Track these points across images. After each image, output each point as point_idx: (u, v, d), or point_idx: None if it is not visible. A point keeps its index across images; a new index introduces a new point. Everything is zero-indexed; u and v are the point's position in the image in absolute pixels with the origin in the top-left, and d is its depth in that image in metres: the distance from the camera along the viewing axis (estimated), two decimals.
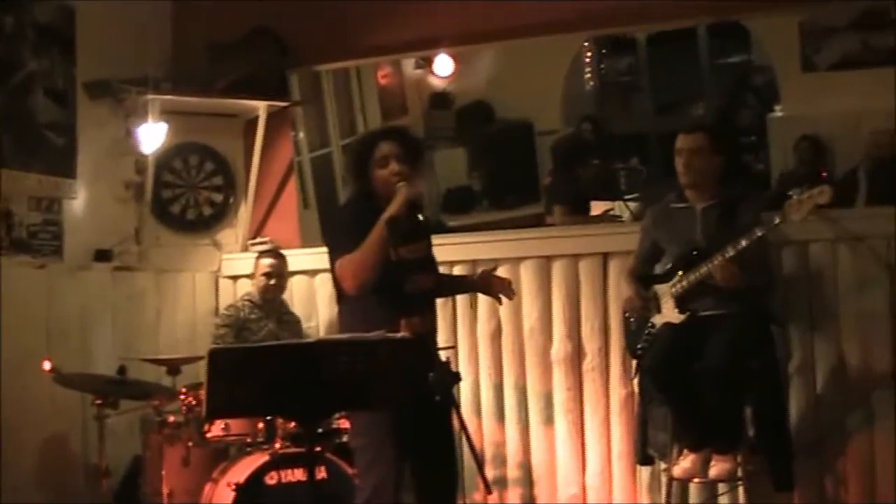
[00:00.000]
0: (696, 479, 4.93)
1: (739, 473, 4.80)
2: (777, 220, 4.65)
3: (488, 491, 3.95)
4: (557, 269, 5.74)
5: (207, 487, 5.08)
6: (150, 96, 5.97)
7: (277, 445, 5.06)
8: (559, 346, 5.71)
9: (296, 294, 6.23)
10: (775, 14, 6.62)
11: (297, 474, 4.92)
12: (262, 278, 5.87)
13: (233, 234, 6.58)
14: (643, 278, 5.05)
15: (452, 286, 4.94)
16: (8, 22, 5.57)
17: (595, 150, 8.16)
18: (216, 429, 5.13)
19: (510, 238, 5.93)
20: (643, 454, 5.16)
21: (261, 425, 5.13)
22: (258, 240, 6.51)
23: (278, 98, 6.43)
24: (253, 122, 6.44)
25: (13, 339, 5.39)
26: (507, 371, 5.83)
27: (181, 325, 6.36)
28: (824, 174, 6.39)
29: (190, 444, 5.12)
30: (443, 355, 3.88)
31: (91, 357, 5.78)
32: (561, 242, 5.82)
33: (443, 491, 4.27)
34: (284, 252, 6.09)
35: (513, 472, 5.79)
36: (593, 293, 5.66)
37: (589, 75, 9.77)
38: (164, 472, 5.11)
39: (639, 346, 5.01)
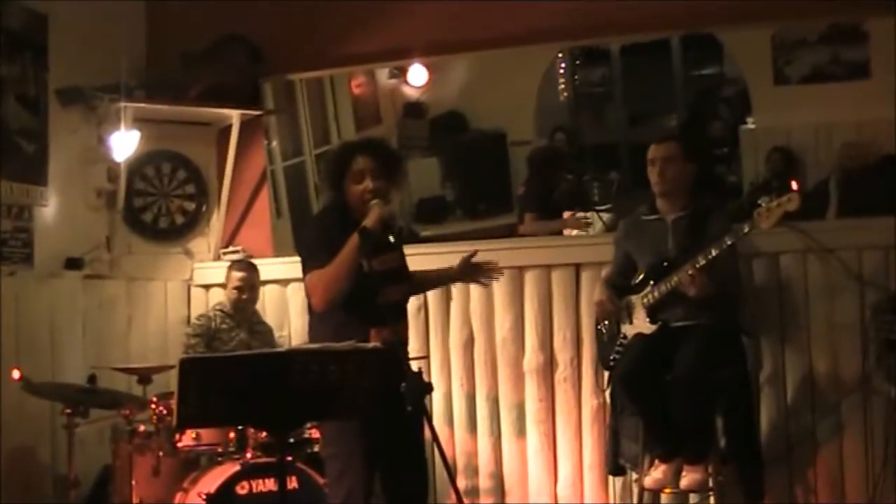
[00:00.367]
0: (667, 490, 4.94)
1: (710, 484, 4.83)
2: (746, 229, 4.66)
3: (460, 501, 3.95)
4: (530, 279, 5.74)
5: (178, 497, 5.05)
6: (122, 104, 5.93)
7: (248, 455, 5.03)
8: (531, 357, 5.71)
9: (268, 303, 6.20)
10: (748, 27, 6.66)
11: (269, 484, 4.89)
12: (234, 291, 5.84)
13: (205, 242, 6.54)
14: (616, 288, 5.07)
15: (431, 283, 4.94)
16: None
17: (571, 161, 8.19)
18: (187, 438, 5.09)
19: (483, 248, 5.88)
20: (615, 465, 5.18)
21: (232, 435, 5.10)
22: (230, 248, 6.48)
23: (251, 106, 6.40)
24: (226, 130, 6.42)
25: None
26: (480, 381, 5.82)
27: (152, 333, 6.32)
28: (795, 185, 6.45)
29: (160, 453, 5.09)
30: (415, 365, 3.88)
31: (61, 366, 5.73)
32: (533, 253, 5.83)
33: (414, 501, 4.27)
34: (257, 261, 6.07)
35: (485, 482, 5.79)
36: (566, 304, 5.68)
37: (562, 86, 9.83)
38: (134, 482, 5.07)
39: (611, 357, 5.04)
